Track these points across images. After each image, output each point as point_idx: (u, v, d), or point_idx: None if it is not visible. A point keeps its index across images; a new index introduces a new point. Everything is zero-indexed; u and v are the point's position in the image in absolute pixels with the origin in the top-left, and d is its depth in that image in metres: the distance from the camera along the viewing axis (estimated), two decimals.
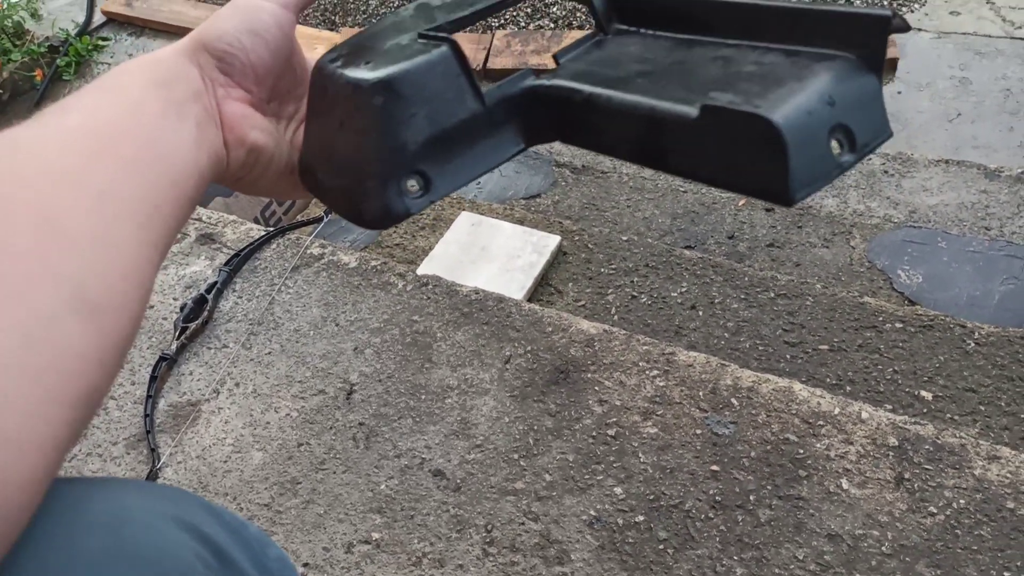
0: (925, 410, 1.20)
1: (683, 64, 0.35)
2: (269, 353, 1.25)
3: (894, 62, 2.46)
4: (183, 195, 0.36)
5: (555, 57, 0.41)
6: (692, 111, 0.30)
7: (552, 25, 2.92)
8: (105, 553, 0.33)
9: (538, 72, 0.38)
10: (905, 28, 0.30)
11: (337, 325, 1.26)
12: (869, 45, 0.30)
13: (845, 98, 0.29)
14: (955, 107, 2.33)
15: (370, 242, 1.71)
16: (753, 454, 0.99)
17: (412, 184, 0.36)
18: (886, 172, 2.02)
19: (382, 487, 1.06)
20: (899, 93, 2.41)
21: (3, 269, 0.26)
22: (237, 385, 1.22)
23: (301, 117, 0.44)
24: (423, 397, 1.13)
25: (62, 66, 2.98)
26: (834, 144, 0.29)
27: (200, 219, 1.51)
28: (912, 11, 2.70)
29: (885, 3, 2.71)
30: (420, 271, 1.43)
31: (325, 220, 1.52)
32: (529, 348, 1.15)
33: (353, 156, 0.37)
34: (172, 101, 0.37)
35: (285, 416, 1.16)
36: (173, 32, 3.37)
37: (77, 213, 0.29)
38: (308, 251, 1.38)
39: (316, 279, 1.34)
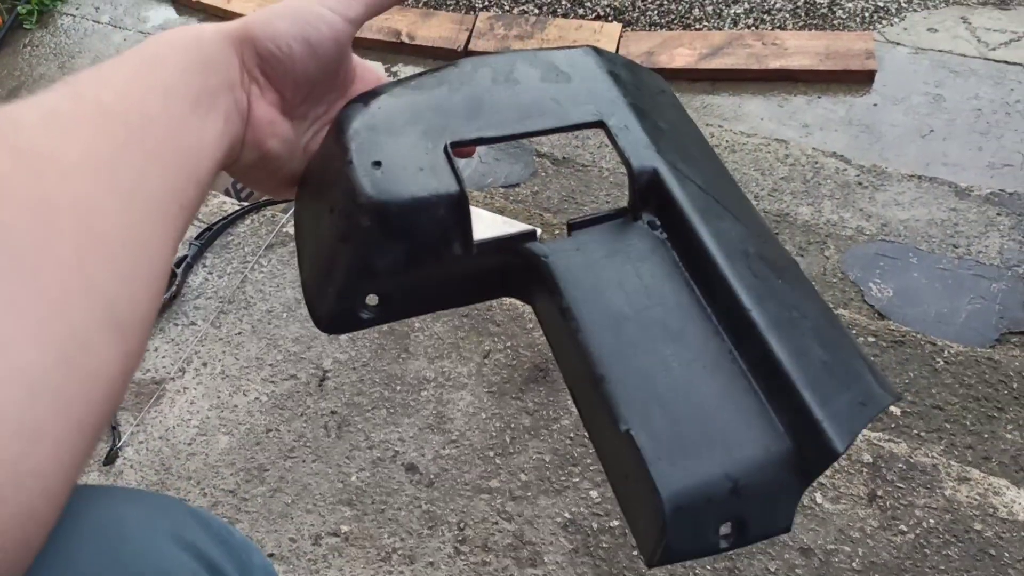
0: (893, 425, 1.22)
1: (654, 328, 0.32)
2: (239, 333, 1.21)
3: (871, 74, 2.49)
4: (203, 192, 0.33)
5: (569, 224, 0.38)
6: (621, 425, 0.29)
7: (536, 11, 2.88)
8: (104, 571, 0.31)
9: (541, 238, 0.37)
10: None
11: None
12: (812, 469, 0.29)
13: (755, 489, 0.28)
14: (928, 123, 2.37)
15: None
16: None
17: (371, 299, 0.35)
18: (860, 184, 2.05)
19: (353, 479, 1.03)
20: (875, 105, 2.45)
21: (45, 280, 0.23)
22: (204, 365, 1.18)
23: (326, 121, 0.42)
24: (398, 388, 1.11)
25: (23, 14, 2.84)
26: (723, 530, 0.28)
27: None
28: (891, 25, 2.74)
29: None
30: None
31: None
32: (509, 344, 1.14)
33: (327, 250, 0.36)
34: (206, 89, 0.34)
35: (254, 400, 1.13)
36: None
37: (110, 214, 0.26)
38: (284, 229, 1.34)
39: (291, 259, 1.30)
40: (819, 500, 0.95)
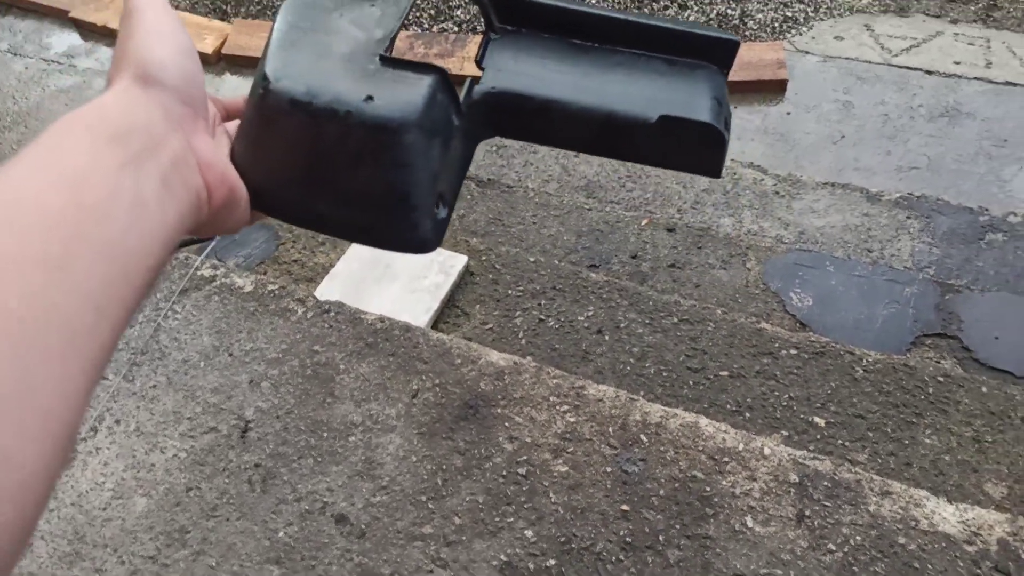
0: (819, 436, 1.25)
1: (594, 69, 0.42)
2: (154, 386, 1.15)
3: (784, 83, 2.57)
4: (137, 284, 0.29)
5: (477, 62, 0.44)
6: (651, 117, 0.39)
7: (456, 28, 2.88)
8: None
9: (474, 79, 0.42)
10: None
11: (231, 355, 1.17)
12: (725, 59, 0.42)
13: (723, 98, 0.41)
14: (839, 129, 2.46)
15: (266, 257, 1.62)
16: (662, 492, 0.99)
17: (440, 208, 0.39)
18: (777, 193, 2.10)
19: (280, 534, 0.99)
20: (788, 114, 2.52)
21: None
22: (118, 422, 1.12)
23: (217, 119, 0.40)
24: (325, 435, 1.08)
25: None
26: (725, 120, 0.41)
27: None
28: (800, 34, 2.83)
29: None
30: (321, 292, 1.36)
31: (216, 238, 1.43)
32: (438, 381, 1.12)
33: (384, 190, 0.38)
34: (128, 162, 0.30)
35: (172, 457, 1.08)
36: (44, 13, 3.09)
37: None
38: (198, 272, 1.29)
39: (207, 304, 1.25)
40: (750, 524, 0.96)
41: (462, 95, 0.40)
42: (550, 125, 0.41)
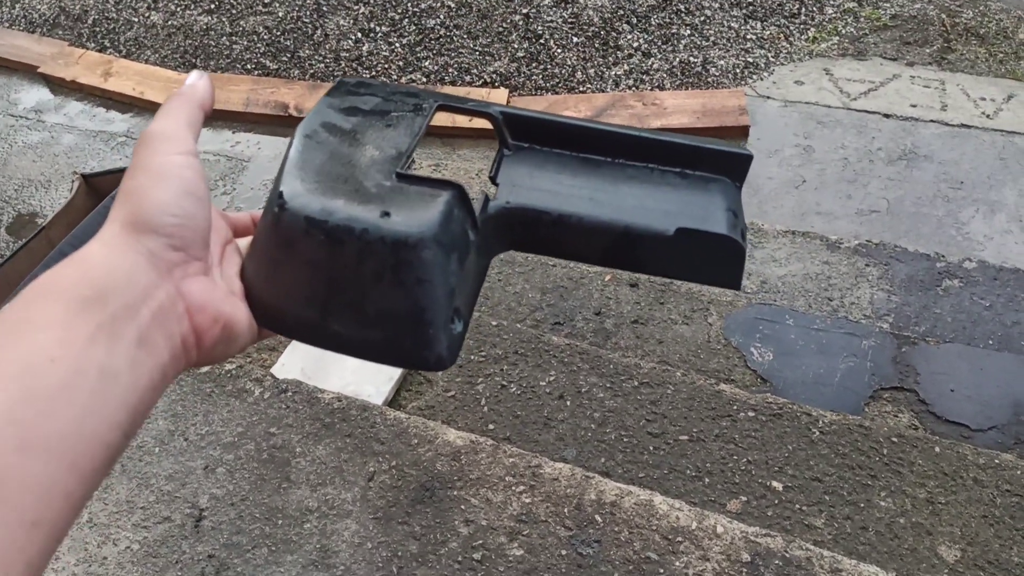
0: (776, 501, 1.26)
1: (608, 184, 0.43)
2: (108, 474, 1.15)
3: (746, 129, 2.62)
4: (87, 471, 0.28)
5: (491, 178, 0.45)
6: (668, 230, 0.39)
7: (424, 79, 2.91)
8: None
9: (487, 194, 0.43)
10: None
11: (186, 440, 1.17)
12: (738, 173, 0.43)
13: (739, 210, 0.42)
14: (800, 174, 2.51)
15: None
16: (617, 575, 1.00)
17: (457, 323, 0.39)
18: None
19: None
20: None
21: None
22: None
23: (225, 250, 0.40)
24: (280, 522, 1.07)
25: None
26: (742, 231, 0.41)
27: None
28: (762, 79, 2.89)
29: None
30: (281, 364, 1.36)
31: None
32: (394, 463, 1.12)
33: (401, 307, 0.38)
34: (102, 327, 0.29)
35: (125, 549, 1.07)
36: (13, 68, 3.10)
37: None
38: None
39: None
40: None
41: (478, 211, 0.41)
42: (566, 239, 0.42)
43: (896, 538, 1.20)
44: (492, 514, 1.06)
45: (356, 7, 3.12)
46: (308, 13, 3.14)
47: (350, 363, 1.46)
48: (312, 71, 2.97)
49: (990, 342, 1.78)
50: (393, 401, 1.39)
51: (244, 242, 0.42)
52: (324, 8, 3.14)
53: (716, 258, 0.40)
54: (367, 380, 1.39)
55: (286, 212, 0.37)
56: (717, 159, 0.42)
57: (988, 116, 2.67)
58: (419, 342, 0.38)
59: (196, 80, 0.41)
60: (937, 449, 1.29)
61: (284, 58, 3.03)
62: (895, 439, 1.31)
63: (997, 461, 1.25)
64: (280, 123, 2.76)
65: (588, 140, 0.44)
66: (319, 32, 3.08)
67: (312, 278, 0.38)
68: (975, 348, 1.70)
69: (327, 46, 3.04)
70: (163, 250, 0.34)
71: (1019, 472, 1.23)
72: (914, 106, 2.70)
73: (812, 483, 1.28)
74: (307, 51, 3.03)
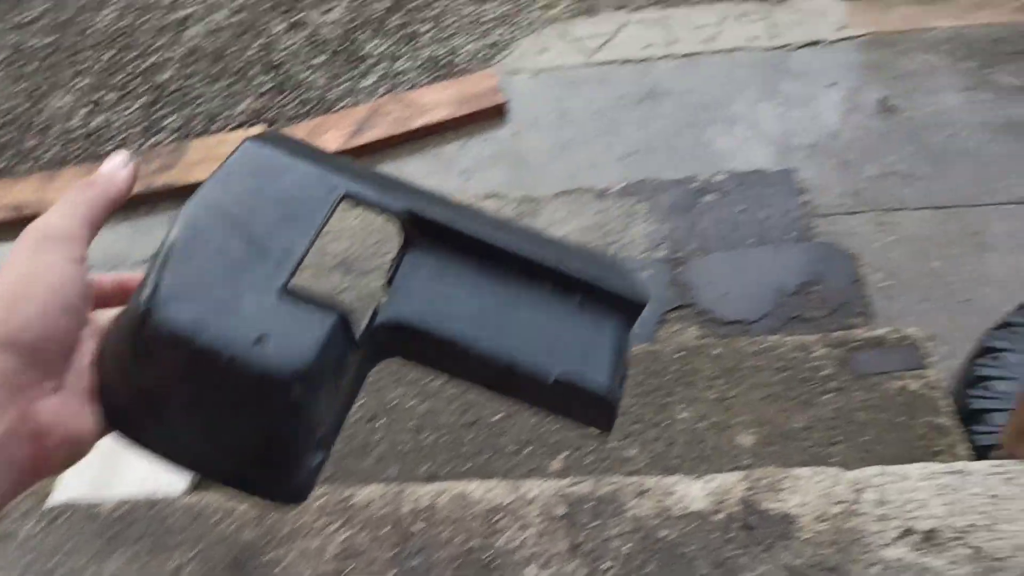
0: (592, 446, 1.32)
1: (504, 306, 0.41)
2: None
3: (502, 107, 2.69)
4: None
5: (388, 281, 0.42)
6: (548, 376, 0.38)
7: (171, 137, 2.76)
8: None
9: (379, 302, 0.41)
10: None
11: None
12: (630, 316, 0.42)
13: (625, 354, 0.41)
14: (563, 136, 2.62)
15: None
16: (448, 575, 1.00)
17: (318, 453, 0.37)
18: (520, 215, 2.20)
19: None
20: (515, 135, 2.65)
21: None
22: None
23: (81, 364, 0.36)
24: None
25: None
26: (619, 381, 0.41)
27: None
28: (509, 55, 2.98)
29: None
30: (62, 488, 1.25)
31: None
32: (199, 548, 1.05)
33: (259, 440, 0.35)
34: None
35: None
36: None
37: None
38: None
39: (19, 558, 1.10)
40: (534, 572, 0.99)
41: (364, 322, 0.39)
42: (451, 366, 0.40)
43: (701, 442, 1.29)
44: (312, 563, 1.03)
45: (73, 81, 2.90)
46: (21, 101, 2.88)
47: (142, 459, 1.36)
48: (46, 159, 2.73)
49: (751, 240, 1.95)
50: (201, 482, 1.31)
51: (107, 315, 0.38)
52: (37, 92, 2.89)
53: (589, 409, 0.40)
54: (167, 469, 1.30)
55: (152, 317, 0.34)
56: (612, 300, 0.42)
57: (710, 40, 2.91)
58: (274, 477, 0.37)
59: (117, 169, 0.38)
60: (717, 350, 1.40)
61: (9, 154, 2.76)
62: (680, 353, 1.41)
63: (765, 345, 1.37)
64: (20, 226, 2.51)
65: (494, 257, 0.42)
66: (41, 116, 2.84)
67: (171, 392, 0.36)
68: (737, 251, 1.86)
69: (53, 130, 2.80)
70: (18, 371, 0.31)
71: (784, 348, 1.35)
72: (646, 47, 2.89)
73: (620, 419, 1.34)
74: (33, 140, 2.78)
